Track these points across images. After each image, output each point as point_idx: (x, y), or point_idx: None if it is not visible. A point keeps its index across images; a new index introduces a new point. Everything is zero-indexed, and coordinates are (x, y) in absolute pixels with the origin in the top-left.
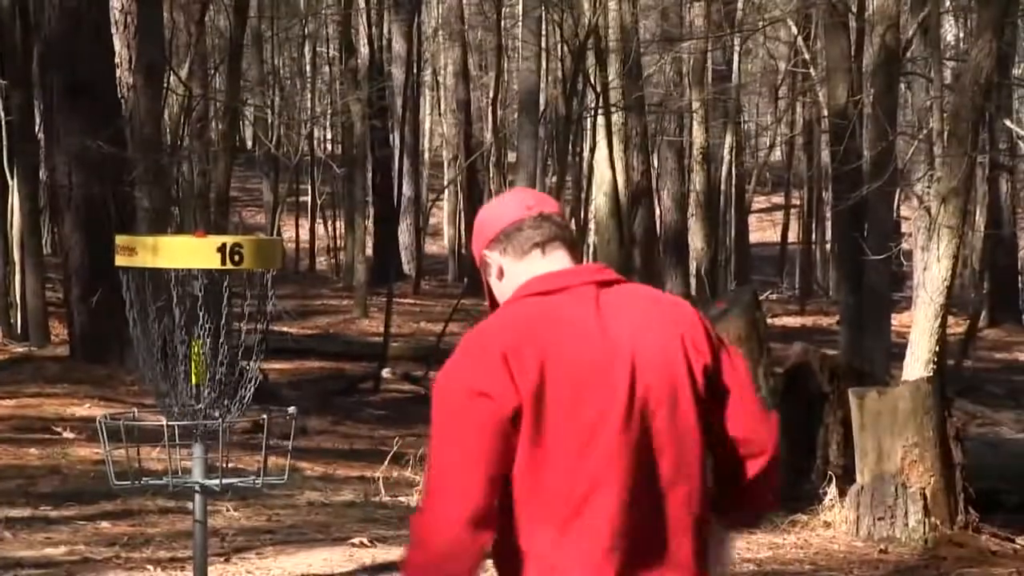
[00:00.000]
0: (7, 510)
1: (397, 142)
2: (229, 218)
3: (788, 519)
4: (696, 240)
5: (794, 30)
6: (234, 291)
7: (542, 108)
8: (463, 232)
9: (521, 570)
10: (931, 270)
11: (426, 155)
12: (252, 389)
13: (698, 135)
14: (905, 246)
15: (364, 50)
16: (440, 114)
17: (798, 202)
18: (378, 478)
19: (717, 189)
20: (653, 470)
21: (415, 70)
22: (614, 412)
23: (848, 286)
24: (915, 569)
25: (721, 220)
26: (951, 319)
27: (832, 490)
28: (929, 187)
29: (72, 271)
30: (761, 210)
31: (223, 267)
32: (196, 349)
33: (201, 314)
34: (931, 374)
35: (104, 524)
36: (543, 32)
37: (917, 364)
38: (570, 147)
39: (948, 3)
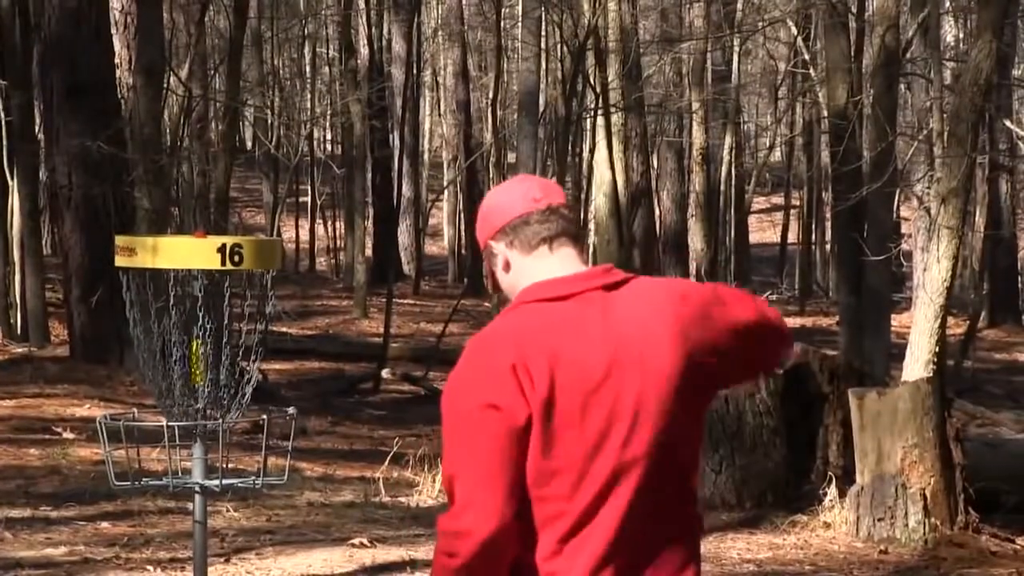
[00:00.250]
0: (7, 510)
1: (397, 143)
2: (229, 219)
3: (788, 520)
4: (696, 241)
5: (794, 31)
6: (234, 292)
7: (542, 109)
8: (463, 233)
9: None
10: (931, 271)
11: (426, 156)
12: (251, 389)
13: (698, 136)
14: (905, 247)
15: (364, 51)
16: (440, 115)
17: (798, 203)
18: (378, 478)
19: (717, 190)
20: (655, 477)
21: (415, 71)
22: (620, 423)
23: (848, 287)
24: (915, 570)
25: (721, 221)
26: (951, 320)
27: (832, 491)
28: (929, 188)
29: (72, 271)
30: (761, 211)
31: (223, 268)
32: (196, 350)
33: (201, 314)
34: (931, 375)
35: (104, 524)
36: (543, 33)
37: (917, 365)
38: (570, 148)
39: (948, 4)
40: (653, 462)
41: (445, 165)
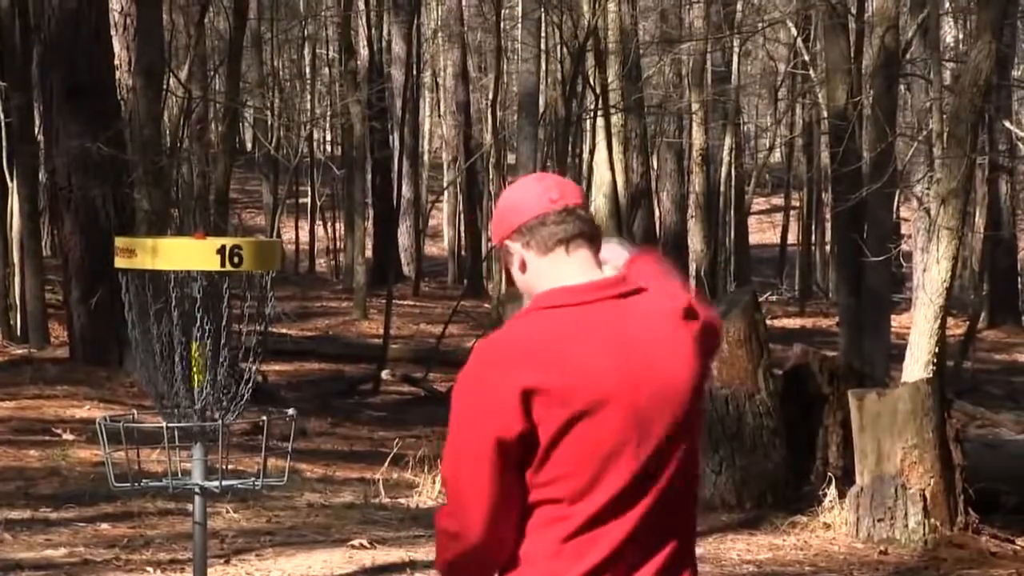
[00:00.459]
0: (7, 512)
1: (397, 144)
2: (229, 220)
3: (788, 521)
4: (696, 241)
5: (794, 31)
6: (233, 293)
7: (542, 110)
8: (463, 234)
9: (515, 572)
10: (931, 271)
11: (425, 157)
12: (251, 391)
13: (697, 136)
14: (905, 247)
15: (364, 52)
16: (440, 116)
17: (798, 203)
18: (378, 480)
19: (716, 190)
20: (668, 484)
21: (415, 72)
22: (635, 431)
23: (848, 287)
24: (915, 570)
25: (720, 221)
26: (951, 320)
27: (832, 491)
28: (928, 188)
29: (72, 273)
30: (761, 211)
31: (222, 269)
32: (195, 351)
33: (200, 316)
34: (931, 375)
35: (104, 526)
36: (543, 34)
37: (917, 365)
38: (570, 149)
39: (947, 4)
40: (668, 470)
41: (445, 166)
